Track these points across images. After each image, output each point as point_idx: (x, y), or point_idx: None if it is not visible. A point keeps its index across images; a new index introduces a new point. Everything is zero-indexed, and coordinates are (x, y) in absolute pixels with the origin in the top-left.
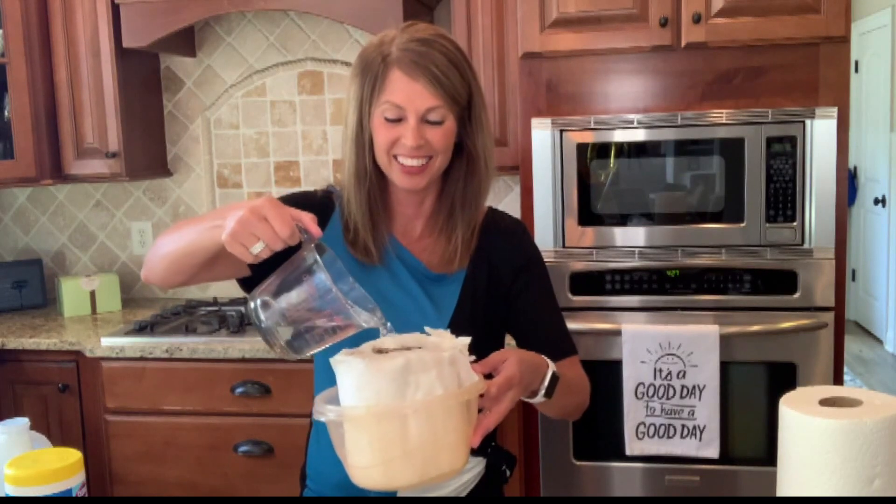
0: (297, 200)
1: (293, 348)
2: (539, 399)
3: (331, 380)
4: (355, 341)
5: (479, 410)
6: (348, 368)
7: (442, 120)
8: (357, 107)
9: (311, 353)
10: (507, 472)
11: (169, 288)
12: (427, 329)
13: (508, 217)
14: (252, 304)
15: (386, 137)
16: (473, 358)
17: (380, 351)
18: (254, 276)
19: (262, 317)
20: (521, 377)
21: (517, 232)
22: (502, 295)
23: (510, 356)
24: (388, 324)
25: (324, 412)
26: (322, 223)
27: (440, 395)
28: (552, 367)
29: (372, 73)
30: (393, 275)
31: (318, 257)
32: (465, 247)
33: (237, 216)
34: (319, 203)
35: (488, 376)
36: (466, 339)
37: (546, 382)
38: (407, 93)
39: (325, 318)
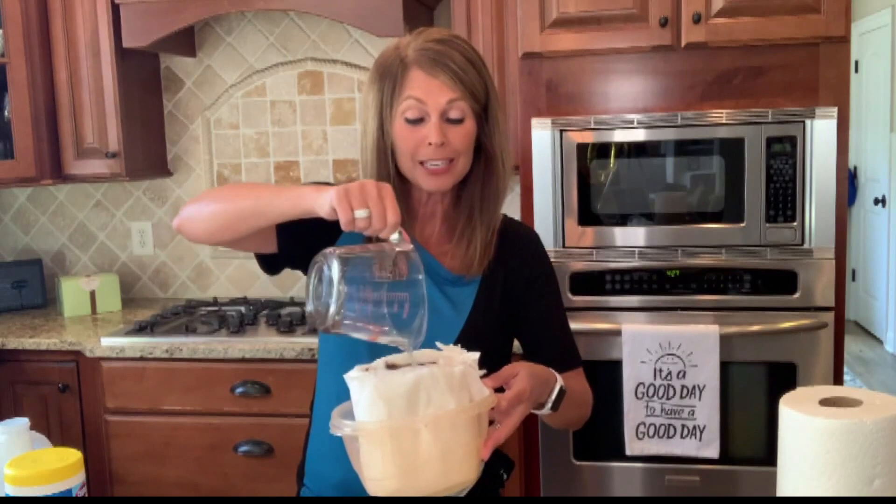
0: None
1: (330, 322)
2: (545, 411)
3: (333, 381)
4: (372, 351)
5: (491, 423)
6: (362, 384)
7: (462, 117)
8: (377, 112)
9: (336, 333)
10: (504, 476)
11: (206, 243)
12: (438, 344)
13: (523, 225)
14: (329, 262)
15: (409, 142)
16: (484, 371)
17: (392, 366)
18: (279, 254)
19: (335, 277)
20: (532, 391)
21: (533, 241)
22: (515, 301)
23: (521, 370)
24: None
25: (340, 427)
26: None
27: (451, 410)
28: (560, 381)
29: (391, 76)
30: None
31: (418, 256)
32: (485, 250)
33: (360, 183)
34: None
35: (499, 389)
36: (476, 354)
37: (553, 396)
38: (427, 88)
39: (387, 311)
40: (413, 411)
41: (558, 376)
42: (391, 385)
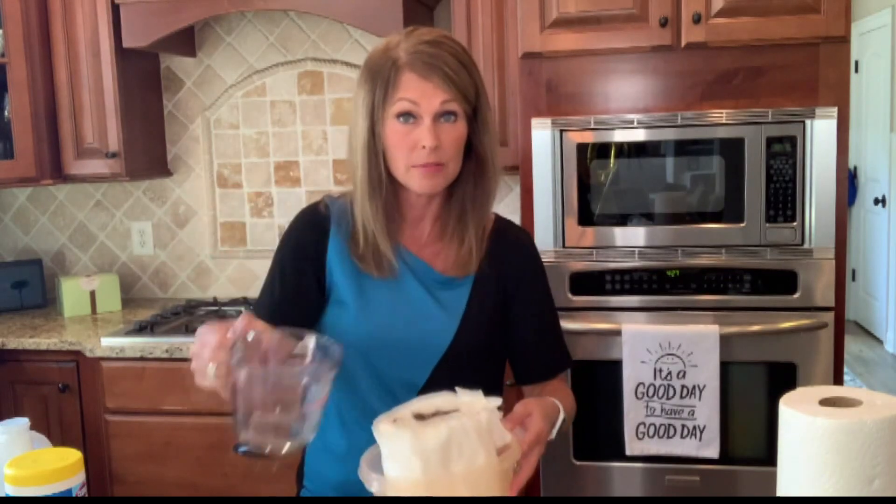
0: (309, 221)
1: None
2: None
3: (333, 387)
4: (367, 365)
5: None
6: (394, 439)
7: (455, 115)
8: (368, 114)
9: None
10: None
11: None
12: (457, 389)
13: (517, 226)
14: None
15: (401, 145)
16: (501, 414)
17: (419, 416)
18: (319, 299)
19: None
20: (547, 432)
21: (526, 243)
22: (507, 302)
23: (533, 410)
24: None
25: (370, 482)
26: (323, 241)
27: (483, 465)
28: (563, 412)
29: (382, 78)
30: (399, 284)
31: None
32: (478, 250)
33: (194, 348)
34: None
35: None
36: (498, 400)
37: (556, 428)
38: (421, 90)
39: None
40: (445, 464)
41: (560, 406)
42: (426, 441)
